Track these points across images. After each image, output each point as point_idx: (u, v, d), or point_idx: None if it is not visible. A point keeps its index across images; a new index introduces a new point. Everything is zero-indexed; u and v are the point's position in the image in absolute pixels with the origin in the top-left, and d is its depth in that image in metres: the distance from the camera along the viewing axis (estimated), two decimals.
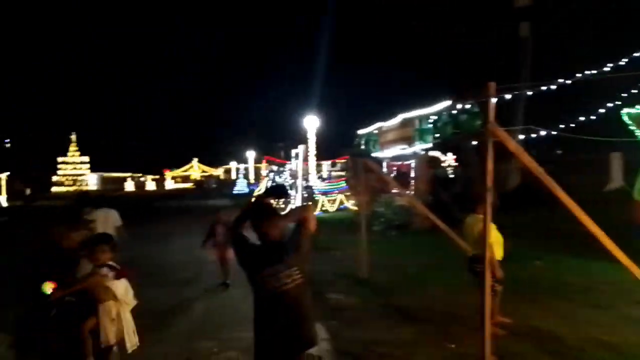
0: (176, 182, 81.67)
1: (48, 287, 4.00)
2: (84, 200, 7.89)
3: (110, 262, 4.21)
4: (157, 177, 78.76)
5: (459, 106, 13.26)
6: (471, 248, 5.62)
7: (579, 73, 13.29)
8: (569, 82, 13.19)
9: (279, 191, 3.44)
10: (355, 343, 5.45)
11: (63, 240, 4.58)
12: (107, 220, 7.70)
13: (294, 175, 23.58)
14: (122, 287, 4.16)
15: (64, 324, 4.13)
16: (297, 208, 3.34)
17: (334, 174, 34.62)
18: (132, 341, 4.20)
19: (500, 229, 5.40)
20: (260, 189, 27.65)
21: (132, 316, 4.41)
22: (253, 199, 3.29)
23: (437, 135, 13.98)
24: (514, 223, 10.29)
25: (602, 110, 13.65)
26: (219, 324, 6.28)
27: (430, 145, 14.64)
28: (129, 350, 4.15)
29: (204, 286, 8.18)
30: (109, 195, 15.37)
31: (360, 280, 8.19)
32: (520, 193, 16.17)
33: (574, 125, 13.95)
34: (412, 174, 16.10)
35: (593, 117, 13.97)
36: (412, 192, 14.79)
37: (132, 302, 4.28)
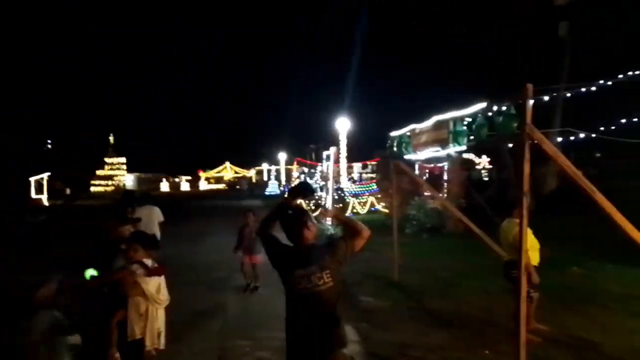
0: (209, 183, 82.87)
1: (89, 274, 4.17)
2: (128, 197, 8.16)
3: (144, 260, 4.30)
4: (191, 178, 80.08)
5: (495, 108, 13.02)
6: (506, 253, 5.52)
7: (621, 74, 12.89)
8: (609, 83, 12.81)
9: (304, 190, 3.32)
10: (386, 346, 5.42)
11: (113, 233, 4.78)
12: (151, 217, 8.17)
13: (324, 177, 23.61)
14: (152, 285, 4.25)
15: (94, 314, 4.30)
16: (353, 221, 3.28)
17: (364, 175, 34.52)
18: (152, 340, 4.26)
19: (537, 233, 5.29)
20: None
21: (167, 315, 4.51)
22: (281, 201, 3.27)
23: (472, 137, 13.75)
24: (551, 227, 10.05)
25: None
26: (251, 323, 6.35)
27: (464, 147, 14.42)
28: (147, 348, 4.23)
29: (237, 286, 8.27)
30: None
31: (391, 282, 8.15)
32: (558, 197, 15.77)
33: (614, 127, 13.52)
34: (445, 177, 15.90)
35: (635, 119, 13.51)
36: (445, 195, 14.61)
37: (163, 301, 4.36)
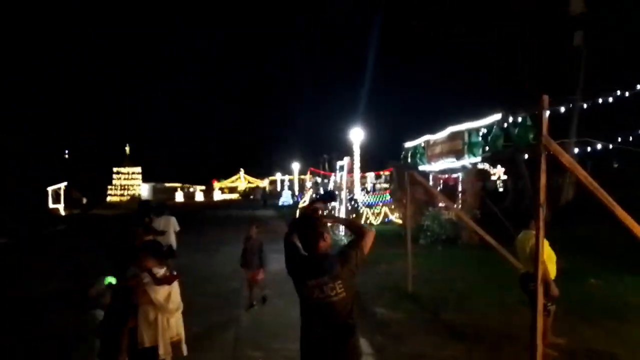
0: (223, 192, 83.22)
1: (107, 281, 4.28)
2: (145, 207, 8.45)
3: (154, 269, 4.35)
4: (205, 187, 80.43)
5: (511, 119, 12.94)
6: (523, 265, 5.46)
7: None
8: (627, 94, 12.68)
9: (327, 196, 3.48)
10: (401, 358, 5.38)
11: (138, 241, 4.88)
12: (168, 227, 8.67)
13: (338, 188, 23.61)
14: (161, 294, 4.28)
15: (107, 319, 4.39)
16: (355, 221, 3.33)
17: (378, 186, 34.44)
18: (166, 348, 4.29)
19: (553, 244, 5.23)
20: (304, 201, 27.87)
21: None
22: (300, 210, 3.34)
23: (487, 148, 13.66)
24: (567, 238, 9.93)
25: None
26: (266, 334, 6.34)
27: (479, 159, 14.34)
28: (161, 357, 4.26)
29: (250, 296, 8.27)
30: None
31: (406, 294, 8.09)
32: (574, 207, 15.58)
33: (631, 138, 13.35)
34: (459, 187, 15.81)
35: None
36: (460, 206, 14.51)
37: (172, 310, 4.37)
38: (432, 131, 17.33)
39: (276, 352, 5.57)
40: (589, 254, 10.42)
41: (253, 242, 7.56)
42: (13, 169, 34.28)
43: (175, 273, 4.55)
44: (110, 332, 4.32)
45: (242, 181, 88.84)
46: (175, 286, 4.44)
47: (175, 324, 4.42)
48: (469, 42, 22.46)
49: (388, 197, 22.07)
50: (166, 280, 4.34)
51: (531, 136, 11.82)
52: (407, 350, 5.60)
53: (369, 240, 3.05)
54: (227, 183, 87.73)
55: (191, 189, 78.35)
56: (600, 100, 13.24)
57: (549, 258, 5.03)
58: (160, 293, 4.26)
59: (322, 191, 28.33)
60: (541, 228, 3.97)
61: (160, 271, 4.36)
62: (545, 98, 3.94)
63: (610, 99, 13.02)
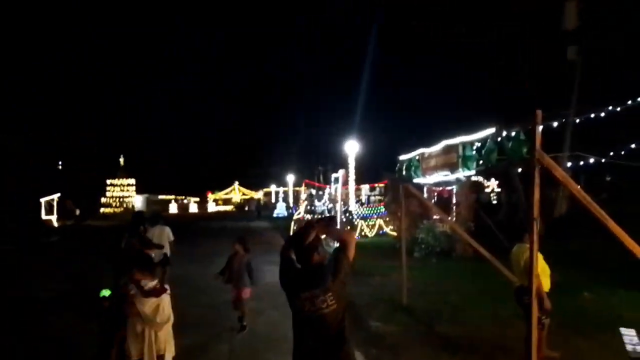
0: (218, 204, 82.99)
1: (102, 293, 4.29)
2: (139, 218, 8.49)
3: (143, 281, 4.34)
4: (199, 199, 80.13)
5: (505, 133, 13.03)
6: (518, 278, 5.49)
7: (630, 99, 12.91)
8: (618, 109, 12.83)
9: (328, 219, 3.57)
10: None
11: (131, 251, 4.90)
12: (162, 236, 8.82)
13: (333, 200, 23.64)
14: (149, 306, 4.26)
15: (105, 327, 4.41)
16: (340, 229, 3.38)
17: (372, 198, 34.47)
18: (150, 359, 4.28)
19: (547, 258, 5.27)
20: (299, 212, 27.85)
21: (176, 338, 4.52)
22: (295, 222, 3.36)
23: (481, 162, 13.73)
24: (561, 252, 9.97)
25: None
26: (260, 346, 6.32)
27: (473, 172, 14.41)
28: None
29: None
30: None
31: (400, 306, 8.08)
32: (568, 220, 15.66)
33: (623, 152, 13.48)
34: (454, 200, 15.87)
35: None
36: (454, 218, 14.56)
37: (159, 324, 4.33)
38: (427, 144, 17.40)
39: None
40: (583, 268, 10.47)
41: (240, 257, 7.04)
42: (13, 170, 34.11)
43: (166, 286, 4.52)
44: (106, 338, 4.34)
45: (236, 193, 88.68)
46: (164, 299, 4.40)
47: (163, 338, 4.38)
48: (469, 42, 22.56)
49: (383, 210, 22.10)
50: (154, 293, 4.31)
51: (525, 150, 11.91)
52: None
53: (352, 245, 3.08)
54: (221, 195, 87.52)
55: (185, 201, 78.01)
56: (592, 115, 13.37)
57: (543, 271, 5.06)
58: (147, 305, 4.24)
59: (316, 203, 28.34)
60: (535, 242, 4.00)
61: (150, 283, 4.34)
62: (539, 113, 4.00)
63: (603, 114, 13.15)
